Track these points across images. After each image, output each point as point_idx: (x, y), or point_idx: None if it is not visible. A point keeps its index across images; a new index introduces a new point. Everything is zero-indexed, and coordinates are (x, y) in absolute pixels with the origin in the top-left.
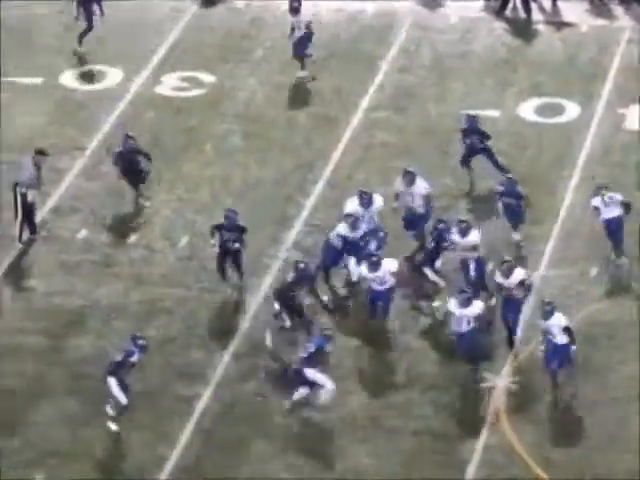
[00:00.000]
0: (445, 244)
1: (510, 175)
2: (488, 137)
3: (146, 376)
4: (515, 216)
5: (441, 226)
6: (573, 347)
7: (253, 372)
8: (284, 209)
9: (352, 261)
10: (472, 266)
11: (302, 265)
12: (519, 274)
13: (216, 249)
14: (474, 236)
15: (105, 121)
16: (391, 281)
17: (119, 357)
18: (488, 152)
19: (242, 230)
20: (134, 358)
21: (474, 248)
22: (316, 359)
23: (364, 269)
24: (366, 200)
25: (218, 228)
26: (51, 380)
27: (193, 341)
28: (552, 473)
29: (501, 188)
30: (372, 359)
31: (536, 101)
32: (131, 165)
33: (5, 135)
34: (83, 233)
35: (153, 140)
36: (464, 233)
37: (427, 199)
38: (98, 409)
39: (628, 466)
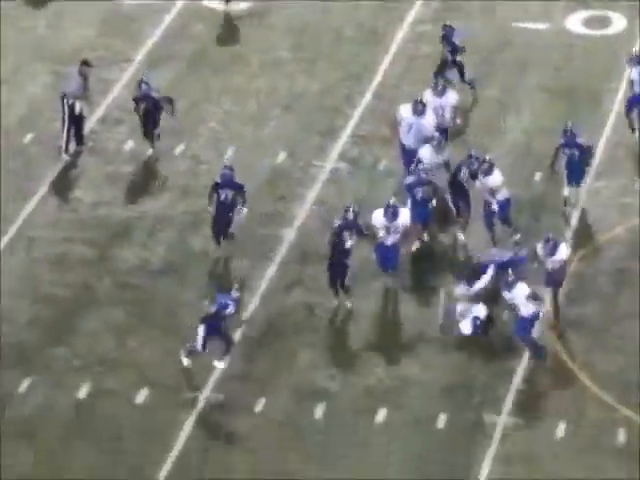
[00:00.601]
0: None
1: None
2: (461, 50)
3: (191, 286)
4: (577, 171)
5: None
6: (541, 313)
7: (299, 282)
8: (331, 120)
9: None
10: (495, 207)
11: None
12: (563, 252)
13: (212, 210)
14: (497, 177)
15: (153, 34)
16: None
17: (213, 309)
18: (458, 65)
19: (239, 188)
20: (229, 310)
21: (495, 190)
22: None
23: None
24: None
25: (216, 187)
26: (97, 290)
27: (238, 251)
28: (596, 381)
29: (563, 140)
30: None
31: (583, 13)
32: (146, 112)
33: (54, 46)
34: (130, 144)
35: (200, 52)
36: (486, 172)
37: (455, 110)
38: (143, 319)
39: None
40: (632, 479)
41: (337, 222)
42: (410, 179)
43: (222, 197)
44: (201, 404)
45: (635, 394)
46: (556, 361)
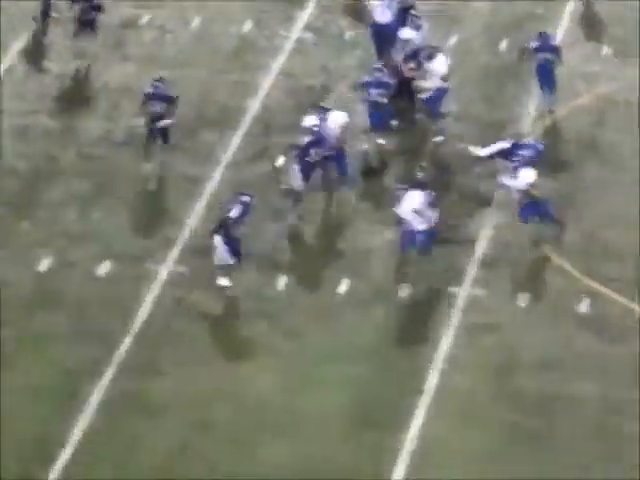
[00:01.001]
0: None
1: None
2: None
3: (154, 157)
4: (550, 77)
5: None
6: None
7: (263, 154)
8: None
9: None
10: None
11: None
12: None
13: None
14: (440, 64)
15: None
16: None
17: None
18: None
19: (171, 101)
20: (232, 213)
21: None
22: None
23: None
24: None
25: (146, 98)
26: (60, 162)
27: (204, 121)
28: (560, 251)
29: (536, 43)
30: None
31: None
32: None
33: None
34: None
35: None
36: (430, 57)
37: None
38: (106, 190)
39: (627, 239)
40: None
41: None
42: (366, 78)
43: (152, 108)
44: (164, 277)
45: (598, 264)
46: (520, 232)
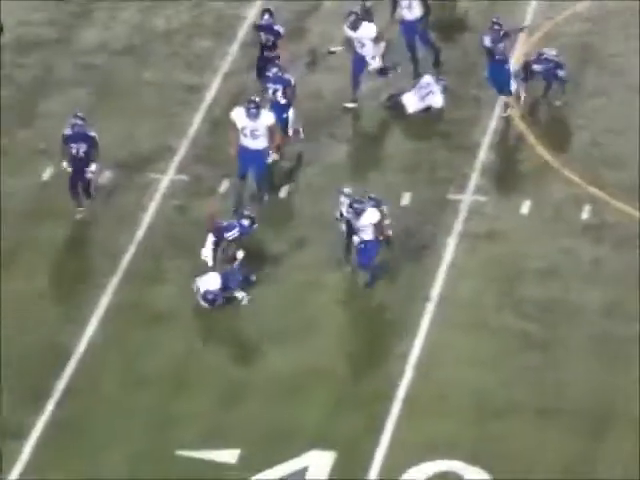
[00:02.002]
0: None
1: None
2: None
3: (154, 66)
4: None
5: None
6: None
7: None
8: None
9: None
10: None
11: None
12: None
13: (67, 166)
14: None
15: None
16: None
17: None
18: None
19: (92, 140)
20: (231, 233)
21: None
22: None
23: None
24: None
25: (66, 140)
26: (59, 71)
27: (201, 30)
28: (560, 159)
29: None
30: None
31: None
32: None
33: None
34: None
35: None
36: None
37: None
38: (104, 99)
39: (629, 146)
40: None
41: None
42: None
43: (74, 151)
44: (165, 185)
45: (600, 171)
46: (521, 140)
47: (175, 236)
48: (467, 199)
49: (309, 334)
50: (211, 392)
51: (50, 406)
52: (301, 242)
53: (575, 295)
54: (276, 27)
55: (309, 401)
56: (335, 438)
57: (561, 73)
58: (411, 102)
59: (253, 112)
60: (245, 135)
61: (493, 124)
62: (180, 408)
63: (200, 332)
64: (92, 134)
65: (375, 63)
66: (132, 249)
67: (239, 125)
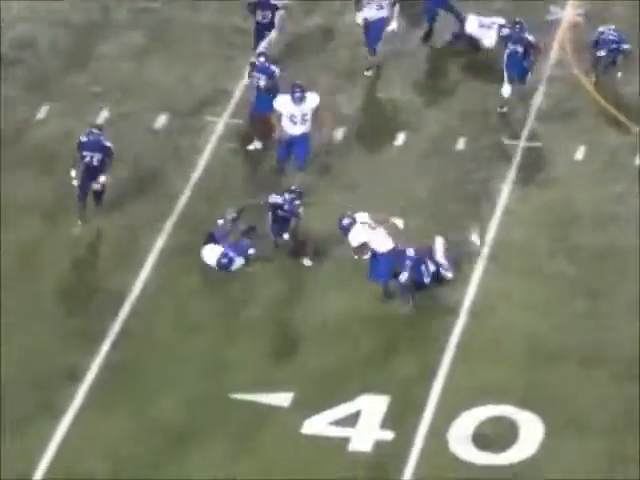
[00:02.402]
0: None
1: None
2: None
3: (210, 9)
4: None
5: None
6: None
7: (317, 6)
8: None
9: None
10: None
11: None
12: None
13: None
14: None
15: None
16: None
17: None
18: None
19: (107, 151)
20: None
21: None
22: None
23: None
24: None
25: (80, 147)
26: (115, 14)
27: None
28: (615, 105)
29: (507, 31)
30: None
31: None
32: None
33: None
34: None
35: None
36: None
37: None
38: (161, 43)
39: None
40: None
41: None
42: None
43: (87, 159)
44: (220, 128)
45: None
46: (576, 85)
47: (230, 179)
48: (522, 145)
49: (363, 279)
50: (264, 337)
51: (105, 348)
52: (354, 186)
53: (628, 242)
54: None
55: (362, 346)
56: (388, 383)
57: (625, 46)
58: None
59: (298, 96)
60: (294, 122)
61: (548, 71)
62: (233, 353)
63: (253, 277)
64: (108, 144)
65: (394, 24)
66: (187, 192)
67: (285, 113)
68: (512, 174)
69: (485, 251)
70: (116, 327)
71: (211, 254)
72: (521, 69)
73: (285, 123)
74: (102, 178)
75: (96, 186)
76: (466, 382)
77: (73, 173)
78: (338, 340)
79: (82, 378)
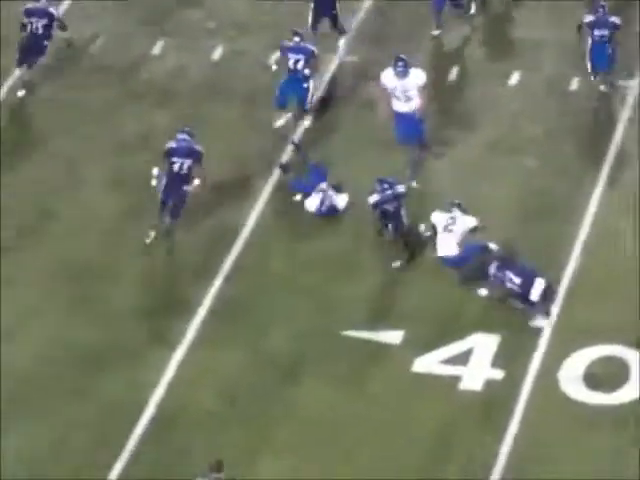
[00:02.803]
0: None
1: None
2: None
3: None
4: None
5: None
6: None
7: None
8: None
9: None
10: None
11: None
12: None
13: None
14: None
15: None
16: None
17: None
18: None
19: (198, 155)
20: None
21: None
22: None
23: None
24: None
25: (169, 154)
26: None
27: None
28: None
29: (591, 17)
30: None
31: None
32: None
33: None
34: None
35: None
36: None
37: None
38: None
39: None
40: None
41: None
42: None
43: (175, 165)
44: (333, 67)
45: None
46: None
47: (343, 120)
48: (636, 84)
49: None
50: (376, 276)
51: (218, 282)
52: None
53: None
54: None
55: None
56: (500, 322)
57: None
58: None
59: (401, 70)
60: (398, 98)
61: None
62: (345, 291)
63: (366, 217)
64: (199, 148)
65: None
66: (301, 129)
67: (389, 86)
68: (626, 114)
69: (599, 189)
70: (230, 261)
71: (312, 204)
72: (607, 58)
73: (391, 98)
74: (196, 181)
75: (187, 188)
76: (577, 322)
77: (154, 182)
78: (451, 280)
79: (196, 311)
